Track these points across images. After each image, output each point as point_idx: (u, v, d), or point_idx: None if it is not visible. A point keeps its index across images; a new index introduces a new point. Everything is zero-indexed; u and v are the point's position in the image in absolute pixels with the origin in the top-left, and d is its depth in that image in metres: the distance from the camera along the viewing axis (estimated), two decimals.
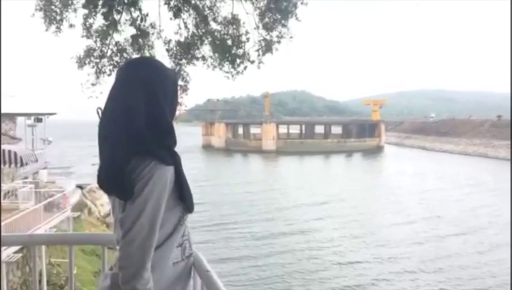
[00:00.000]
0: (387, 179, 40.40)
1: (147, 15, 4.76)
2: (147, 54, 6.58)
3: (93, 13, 5.54)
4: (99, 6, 4.10)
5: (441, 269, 17.26)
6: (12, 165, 15.60)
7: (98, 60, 6.66)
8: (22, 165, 16.04)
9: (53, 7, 6.44)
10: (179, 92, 1.49)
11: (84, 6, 5.36)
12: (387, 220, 24.67)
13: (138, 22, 4.46)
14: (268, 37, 6.75)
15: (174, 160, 1.43)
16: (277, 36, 6.76)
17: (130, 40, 5.10)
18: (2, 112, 15.84)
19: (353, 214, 25.99)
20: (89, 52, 6.65)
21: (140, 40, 4.97)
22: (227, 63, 6.71)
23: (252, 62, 6.75)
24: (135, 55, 6.69)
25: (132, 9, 4.56)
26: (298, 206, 28.36)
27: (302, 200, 29.94)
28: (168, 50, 6.58)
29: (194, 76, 6.89)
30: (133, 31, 5.87)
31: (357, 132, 75.26)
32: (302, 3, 6.66)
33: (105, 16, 4.14)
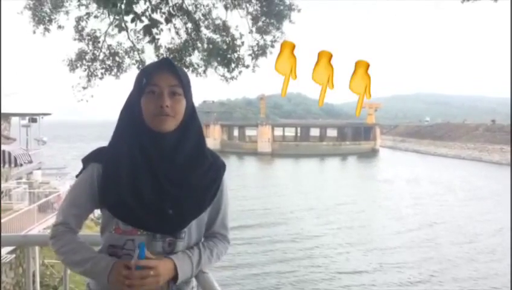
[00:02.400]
0: (384, 184, 39.98)
1: (158, 6, 4.77)
2: (138, 59, 6.57)
3: (109, 10, 5.53)
4: (118, 3, 4.10)
5: None
6: (7, 165, 15.51)
7: (90, 63, 6.63)
8: (16, 165, 15.96)
9: (43, 7, 6.40)
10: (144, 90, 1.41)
11: (98, 4, 5.34)
12: (392, 237, 22.90)
13: (149, 12, 4.46)
14: (262, 41, 6.76)
15: (105, 157, 1.43)
16: (271, 40, 6.77)
17: (142, 31, 5.09)
18: None
19: (353, 225, 24.95)
20: (80, 55, 6.61)
21: (152, 29, 4.95)
22: (222, 67, 6.70)
23: (247, 67, 6.75)
24: (127, 59, 6.68)
25: (142, 1, 4.57)
26: (296, 214, 27.34)
27: (299, 208, 28.98)
28: (158, 56, 6.57)
29: (190, 77, 6.86)
30: (122, 36, 5.84)
31: (353, 135, 75.39)
32: (295, 9, 6.68)
33: (127, 11, 4.13)
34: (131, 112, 1.42)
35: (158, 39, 5.96)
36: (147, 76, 1.39)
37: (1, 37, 7.43)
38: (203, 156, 1.48)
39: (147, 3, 4.55)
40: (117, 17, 4.52)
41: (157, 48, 6.20)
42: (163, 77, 1.38)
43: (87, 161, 1.45)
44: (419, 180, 41.26)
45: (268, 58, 6.86)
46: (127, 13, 4.17)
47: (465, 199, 32.63)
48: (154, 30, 5.21)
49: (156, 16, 4.72)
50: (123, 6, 4.11)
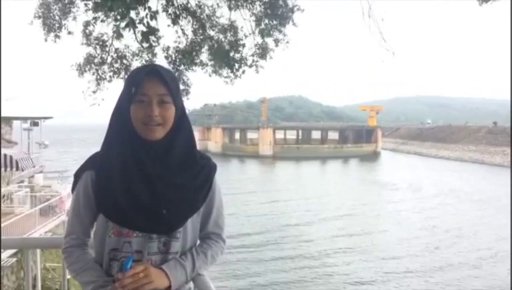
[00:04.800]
0: (388, 188, 39.48)
1: (157, 12, 4.76)
2: (147, 59, 6.59)
3: (106, 15, 5.52)
4: (114, 8, 4.09)
5: None
6: (8, 169, 15.53)
7: (98, 67, 6.65)
8: (17, 169, 15.97)
9: (52, 15, 6.42)
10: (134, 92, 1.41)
11: (95, 10, 5.34)
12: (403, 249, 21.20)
13: (148, 19, 4.46)
14: (263, 43, 6.78)
15: (99, 164, 1.46)
16: (274, 40, 6.78)
17: (140, 38, 5.10)
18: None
19: (362, 234, 23.51)
20: (88, 59, 6.63)
21: (150, 37, 4.95)
22: (226, 67, 6.71)
23: (250, 66, 6.77)
24: (135, 61, 6.70)
25: (141, 7, 4.57)
26: (302, 226, 25.64)
27: (304, 215, 27.90)
28: (166, 57, 6.58)
29: (192, 80, 6.90)
30: (130, 39, 5.85)
31: (354, 138, 75.32)
32: (298, 10, 6.69)
33: (122, 16, 4.13)
34: (120, 119, 1.44)
35: (155, 46, 5.98)
36: (136, 85, 1.40)
37: (1, 41, 7.44)
38: (194, 159, 1.51)
39: (146, 10, 4.54)
40: (115, 23, 4.51)
41: (153, 54, 6.21)
42: (152, 85, 1.40)
43: (80, 171, 1.48)
44: (423, 184, 40.80)
45: (268, 62, 6.88)
46: (123, 18, 4.15)
47: (472, 204, 31.79)
48: (152, 37, 5.22)
49: (154, 23, 4.71)
50: (120, 10, 4.10)
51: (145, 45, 5.60)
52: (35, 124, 24.13)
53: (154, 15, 4.58)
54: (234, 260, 18.25)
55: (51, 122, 27.40)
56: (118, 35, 4.69)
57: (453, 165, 58.20)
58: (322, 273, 17.76)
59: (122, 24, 4.23)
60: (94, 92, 6.60)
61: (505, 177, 42.53)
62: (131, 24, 4.35)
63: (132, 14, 4.41)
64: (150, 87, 1.40)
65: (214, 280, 1.60)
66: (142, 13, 4.59)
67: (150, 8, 4.60)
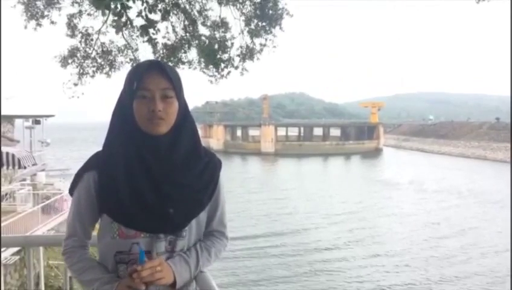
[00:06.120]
0: (392, 185, 39.11)
1: (156, 5, 4.72)
2: (132, 57, 6.54)
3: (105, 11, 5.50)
4: (112, 4, 4.05)
5: None
6: (10, 167, 15.53)
7: (82, 61, 6.58)
8: (19, 167, 15.97)
9: (36, 2, 6.36)
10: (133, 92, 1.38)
11: (95, 6, 5.30)
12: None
13: (146, 12, 4.42)
14: (251, 45, 6.73)
15: (102, 164, 1.41)
16: (260, 44, 6.74)
17: (140, 31, 5.05)
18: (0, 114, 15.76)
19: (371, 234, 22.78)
20: (73, 52, 6.56)
21: (149, 30, 4.90)
22: (212, 66, 6.67)
23: (236, 68, 6.72)
24: (120, 57, 6.64)
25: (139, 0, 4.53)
26: (305, 224, 24.95)
27: (307, 217, 26.85)
28: (154, 53, 6.52)
29: (193, 78, 6.84)
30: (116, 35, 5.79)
31: (356, 134, 75.24)
32: (287, 14, 6.65)
33: (119, 14, 4.09)
34: (123, 116, 1.41)
35: (155, 39, 5.93)
36: (138, 80, 1.37)
37: (1, 40, 7.39)
38: (198, 156, 1.48)
39: (144, 4, 4.50)
40: (115, 19, 4.46)
41: (154, 46, 6.17)
42: (154, 80, 1.37)
43: (82, 172, 1.44)
44: (427, 182, 40.34)
45: (267, 61, 6.86)
46: (119, 15, 4.10)
47: (477, 202, 31.24)
48: (151, 30, 5.17)
49: (153, 15, 4.66)
50: (118, 7, 4.05)
51: (144, 38, 5.55)
52: (37, 122, 24.19)
53: (152, 8, 4.54)
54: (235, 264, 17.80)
55: (53, 121, 27.41)
56: (118, 29, 4.66)
57: (455, 161, 58.08)
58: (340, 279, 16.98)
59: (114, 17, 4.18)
60: (75, 84, 6.53)
61: (505, 174, 42.31)
62: (129, 22, 4.31)
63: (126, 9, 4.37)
64: (151, 81, 1.37)
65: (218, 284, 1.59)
66: (140, 7, 4.54)
67: (147, 1, 4.55)
